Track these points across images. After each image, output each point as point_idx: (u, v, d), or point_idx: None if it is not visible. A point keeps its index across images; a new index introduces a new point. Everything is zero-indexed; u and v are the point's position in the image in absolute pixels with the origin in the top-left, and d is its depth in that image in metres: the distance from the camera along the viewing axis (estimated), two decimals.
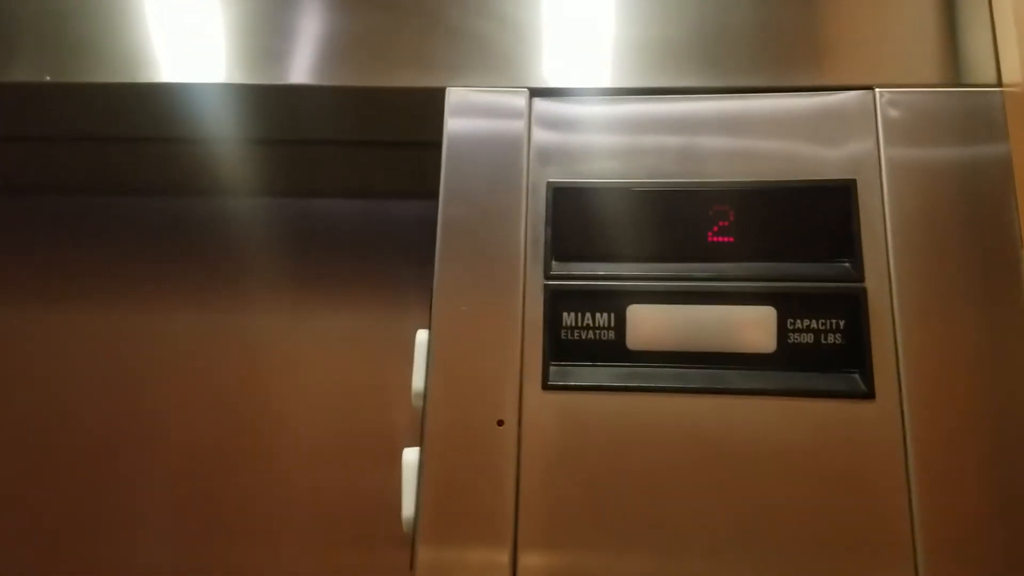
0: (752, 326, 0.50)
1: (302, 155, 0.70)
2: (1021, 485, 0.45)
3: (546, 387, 0.50)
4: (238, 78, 0.58)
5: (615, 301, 0.51)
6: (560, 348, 0.51)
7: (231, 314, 0.74)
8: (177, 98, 0.60)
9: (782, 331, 0.50)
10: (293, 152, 0.69)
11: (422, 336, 0.53)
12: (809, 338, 0.49)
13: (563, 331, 0.51)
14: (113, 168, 0.73)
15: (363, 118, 0.63)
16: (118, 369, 0.74)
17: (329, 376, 0.72)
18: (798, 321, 0.50)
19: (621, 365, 0.51)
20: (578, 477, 0.48)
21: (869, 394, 0.48)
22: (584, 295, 0.51)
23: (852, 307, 0.49)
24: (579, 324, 0.51)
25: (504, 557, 0.47)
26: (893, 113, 0.52)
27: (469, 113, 0.56)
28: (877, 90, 0.53)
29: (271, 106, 0.61)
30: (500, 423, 0.49)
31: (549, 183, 0.53)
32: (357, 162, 0.70)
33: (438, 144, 0.55)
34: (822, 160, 0.52)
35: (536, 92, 0.56)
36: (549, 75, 0.57)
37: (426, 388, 0.50)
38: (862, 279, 0.49)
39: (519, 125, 0.55)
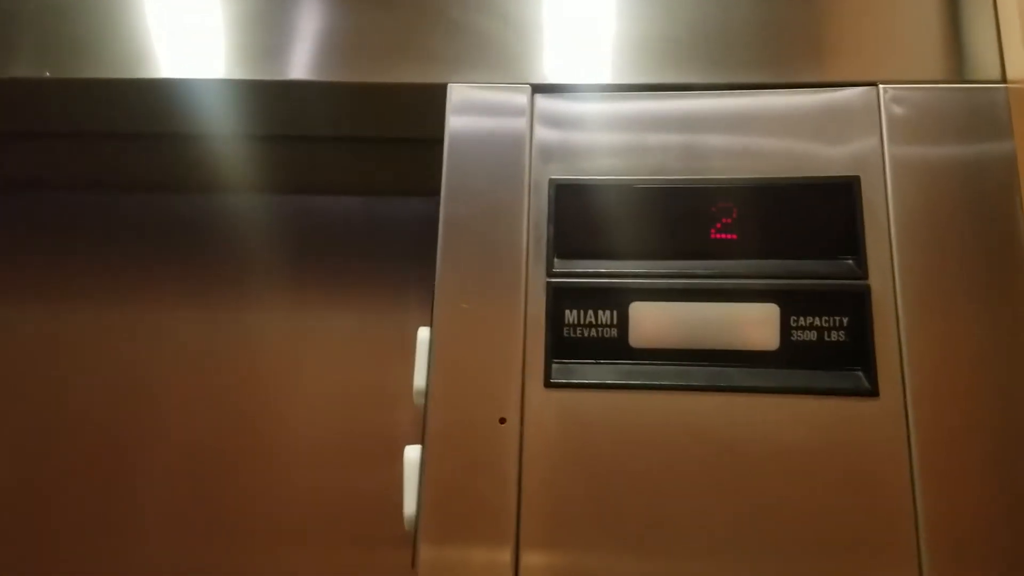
0: (755, 323, 0.50)
1: (302, 152, 0.69)
2: None
3: (548, 385, 0.50)
4: (238, 74, 0.58)
5: (618, 298, 0.51)
6: (562, 346, 0.51)
7: (231, 312, 0.74)
8: (177, 94, 0.60)
9: (785, 329, 0.49)
10: (293, 149, 0.69)
11: (424, 334, 0.53)
12: (812, 336, 0.49)
13: (565, 329, 0.51)
14: (113, 165, 0.73)
15: (364, 114, 0.62)
16: (118, 367, 0.73)
17: (330, 374, 0.72)
18: (801, 319, 0.49)
19: (624, 363, 0.50)
20: (580, 475, 0.48)
21: (873, 392, 0.47)
22: (587, 292, 0.51)
23: (856, 304, 0.49)
24: (582, 322, 0.51)
25: (506, 555, 0.47)
26: (897, 110, 0.52)
27: (471, 110, 0.55)
28: (881, 86, 0.53)
29: (271, 102, 0.61)
30: (502, 421, 0.49)
31: (551, 180, 0.53)
32: (358, 159, 0.70)
33: (439, 141, 0.55)
34: (826, 157, 0.52)
35: (538, 88, 0.56)
36: (551, 71, 0.56)
37: (428, 386, 0.50)
38: (866, 276, 0.49)
39: (521, 122, 0.55)
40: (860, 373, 0.48)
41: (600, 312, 0.51)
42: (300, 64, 0.58)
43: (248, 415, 0.71)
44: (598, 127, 0.54)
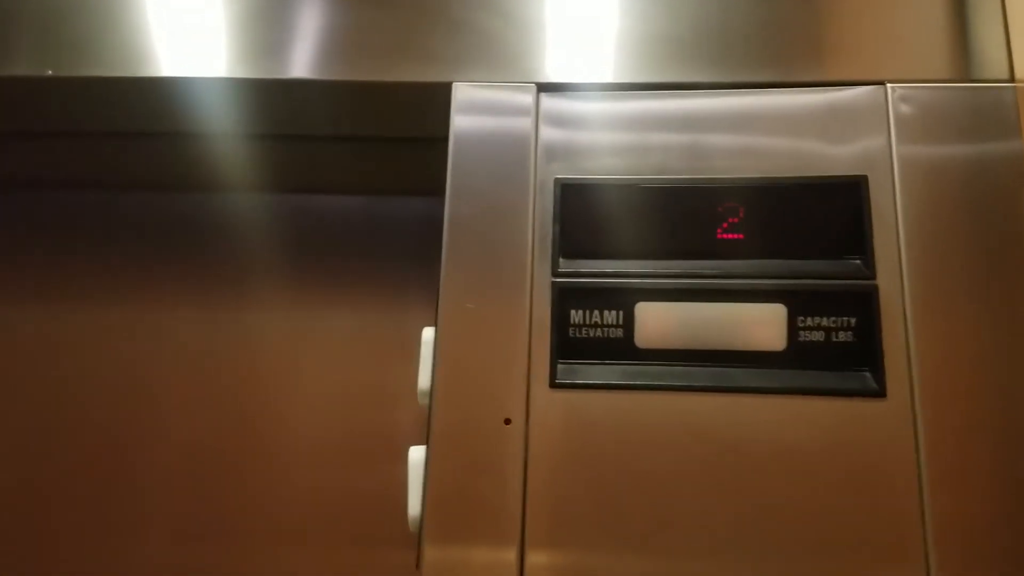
0: (762, 324, 0.50)
1: (304, 151, 0.69)
2: None
3: (553, 385, 0.49)
4: (239, 72, 0.58)
5: (623, 299, 0.51)
6: (568, 346, 0.50)
7: (231, 311, 0.74)
8: (177, 93, 0.60)
9: (792, 329, 0.49)
10: (295, 148, 0.68)
11: (428, 334, 0.52)
12: (819, 336, 0.49)
13: (571, 329, 0.51)
14: (114, 163, 0.72)
15: (365, 113, 0.62)
16: (118, 368, 0.73)
17: (330, 374, 0.72)
18: (808, 319, 0.49)
19: (629, 363, 0.50)
20: (586, 476, 0.48)
21: (880, 393, 0.47)
22: (592, 293, 0.51)
23: (863, 304, 0.49)
24: (587, 322, 0.51)
25: (511, 556, 0.47)
26: (905, 109, 0.52)
27: (476, 109, 0.55)
28: (889, 85, 0.52)
29: (273, 101, 0.61)
30: (507, 422, 0.49)
31: (557, 180, 0.53)
32: (358, 158, 0.70)
33: (442, 140, 0.55)
34: (831, 156, 0.52)
35: (543, 87, 0.55)
36: (556, 70, 0.56)
37: (432, 387, 0.50)
38: (873, 276, 0.49)
39: (527, 122, 0.54)
40: (867, 374, 0.48)
41: (606, 312, 0.51)
42: (301, 62, 0.58)
43: (248, 415, 0.71)
44: (603, 126, 0.54)
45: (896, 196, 0.50)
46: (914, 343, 0.48)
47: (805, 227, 0.51)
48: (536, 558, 0.47)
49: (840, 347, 0.49)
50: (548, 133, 0.54)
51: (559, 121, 0.55)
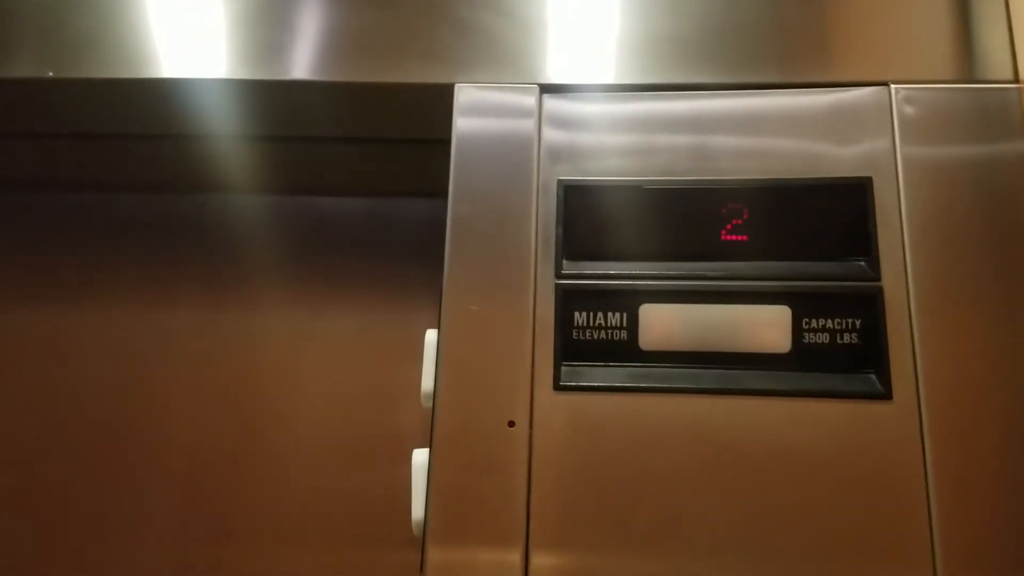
0: (766, 326, 0.49)
1: (307, 152, 0.69)
2: None
3: (557, 388, 0.49)
4: (240, 74, 0.58)
5: (627, 300, 0.51)
6: (571, 348, 0.50)
7: (233, 312, 0.74)
8: (179, 94, 0.60)
9: (797, 331, 0.49)
10: (298, 149, 0.68)
11: (431, 336, 0.52)
12: (824, 338, 0.49)
13: (575, 331, 0.51)
14: (116, 165, 0.72)
15: (368, 114, 0.62)
16: (118, 368, 0.73)
17: (332, 375, 0.72)
18: (813, 321, 0.49)
19: (633, 365, 0.50)
20: (590, 478, 0.48)
21: (886, 395, 0.47)
22: (596, 294, 0.51)
23: (868, 306, 0.49)
24: (591, 324, 0.51)
25: (515, 558, 0.47)
26: (909, 110, 0.52)
27: (479, 111, 0.55)
28: (893, 86, 0.52)
29: (275, 102, 0.60)
30: (511, 424, 0.49)
31: (560, 181, 0.53)
32: (362, 159, 0.70)
33: (445, 141, 0.55)
34: (837, 157, 0.52)
35: (546, 88, 0.55)
36: (559, 71, 0.56)
37: (435, 389, 0.50)
38: (878, 278, 0.49)
39: (530, 123, 0.54)
40: (873, 376, 0.48)
41: (610, 314, 0.51)
42: (303, 64, 0.58)
43: (250, 416, 0.71)
44: (606, 127, 0.54)
45: (901, 197, 0.50)
46: (919, 345, 0.48)
47: (809, 228, 0.51)
48: (540, 560, 0.47)
49: (845, 349, 0.49)
50: (551, 134, 0.54)
51: (562, 122, 0.54)
